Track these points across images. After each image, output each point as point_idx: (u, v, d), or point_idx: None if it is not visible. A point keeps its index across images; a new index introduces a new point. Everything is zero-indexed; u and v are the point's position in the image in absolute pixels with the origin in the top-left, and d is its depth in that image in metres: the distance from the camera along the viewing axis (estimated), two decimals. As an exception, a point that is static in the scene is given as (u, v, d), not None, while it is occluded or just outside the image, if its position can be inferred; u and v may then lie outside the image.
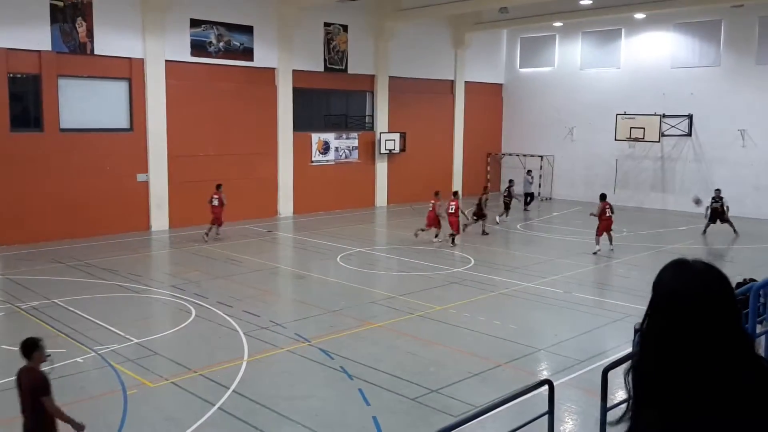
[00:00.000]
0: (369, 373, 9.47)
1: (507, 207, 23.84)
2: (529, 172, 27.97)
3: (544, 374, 9.60)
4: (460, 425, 4.61)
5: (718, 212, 20.68)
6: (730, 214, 20.71)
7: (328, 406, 8.50)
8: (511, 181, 25.13)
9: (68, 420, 6.35)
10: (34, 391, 6.25)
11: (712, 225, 20.74)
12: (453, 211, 18.78)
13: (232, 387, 8.96)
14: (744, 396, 1.86)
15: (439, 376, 9.43)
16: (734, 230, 20.46)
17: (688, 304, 1.93)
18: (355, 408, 8.41)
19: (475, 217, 20.82)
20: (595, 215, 18.24)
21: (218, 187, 19.52)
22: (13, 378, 6.35)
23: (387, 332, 11.44)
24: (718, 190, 21.36)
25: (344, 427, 7.92)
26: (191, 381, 9.19)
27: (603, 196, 18.59)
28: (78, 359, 9.92)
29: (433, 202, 19.25)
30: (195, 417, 8.03)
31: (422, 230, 19.40)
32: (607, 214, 17.99)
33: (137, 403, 8.49)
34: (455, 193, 20.23)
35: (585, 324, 11.91)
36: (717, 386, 1.86)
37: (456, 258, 17.97)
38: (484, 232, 20.58)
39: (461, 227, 19.46)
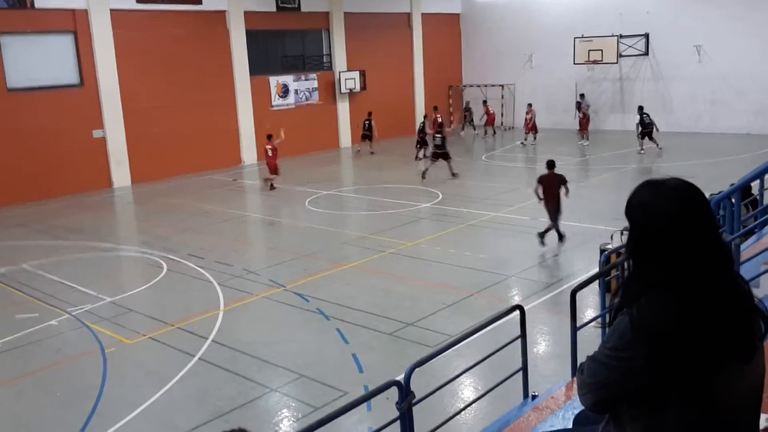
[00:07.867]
0: (345, 313, 9.62)
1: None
2: (582, 96, 27.07)
3: (516, 300, 9.87)
4: (437, 355, 4.73)
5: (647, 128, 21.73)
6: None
7: (308, 348, 8.64)
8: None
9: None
10: (562, 181, 11.73)
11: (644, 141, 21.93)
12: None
13: (211, 337, 9.03)
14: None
15: (414, 309, 9.62)
16: (657, 146, 21.75)
17: (664, 224, 1.86)
18: (334, 348, 8.57)
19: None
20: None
21: (269, 137, 19.30)
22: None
23: (360, 272, 11.57)
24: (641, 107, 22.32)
25: (324, 366, 8.07)
26: (169, 335, 9.23)
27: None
28: (52, 322, 9.87)
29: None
30: (176, 369, 8.11)
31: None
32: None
33: (117, 360, 8.53)
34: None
35: (552, 248, 12.17)
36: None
37: (424, 193, 18.07)
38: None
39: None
